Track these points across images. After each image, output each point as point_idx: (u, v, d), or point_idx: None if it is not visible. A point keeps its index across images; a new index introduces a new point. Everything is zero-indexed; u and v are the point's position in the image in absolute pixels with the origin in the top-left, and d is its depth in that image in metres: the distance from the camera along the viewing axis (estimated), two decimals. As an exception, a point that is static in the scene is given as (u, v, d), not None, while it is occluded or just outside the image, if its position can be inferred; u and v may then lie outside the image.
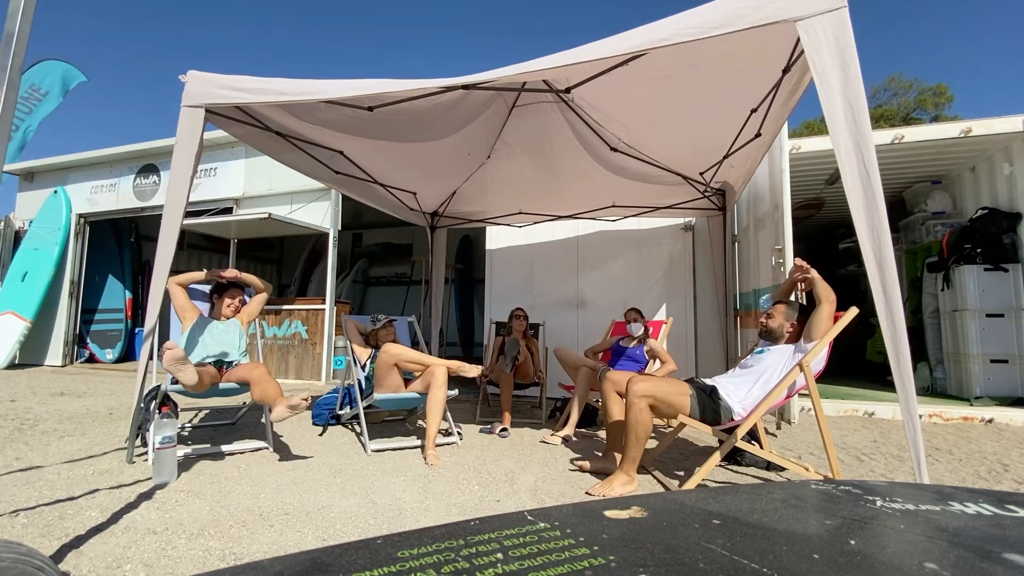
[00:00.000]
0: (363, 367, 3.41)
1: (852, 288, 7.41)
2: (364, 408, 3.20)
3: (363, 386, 3.32)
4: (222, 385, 2.86)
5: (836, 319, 2.33)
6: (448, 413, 3.36)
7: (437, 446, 3.04)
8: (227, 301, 3.28)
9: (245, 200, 7.25)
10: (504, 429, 3.55)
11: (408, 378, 3.26)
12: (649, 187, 4.39)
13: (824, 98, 1.86)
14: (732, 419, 2.31)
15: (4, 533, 1.74)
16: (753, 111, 2.96)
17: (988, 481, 2.60)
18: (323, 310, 6.51)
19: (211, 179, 7.40)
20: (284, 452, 2.91)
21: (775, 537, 0.52)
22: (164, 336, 3.01)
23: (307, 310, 6.62)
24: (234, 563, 1.58)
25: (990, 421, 4.14)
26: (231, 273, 3.35)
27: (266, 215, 6.04)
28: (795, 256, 3.88)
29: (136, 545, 1.67)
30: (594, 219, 5.36)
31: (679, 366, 5.10)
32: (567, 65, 2.25)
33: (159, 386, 2.83)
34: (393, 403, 3.34)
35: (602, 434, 3.52)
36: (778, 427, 3.76)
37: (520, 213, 5.30)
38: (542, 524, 0.54)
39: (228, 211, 7.21)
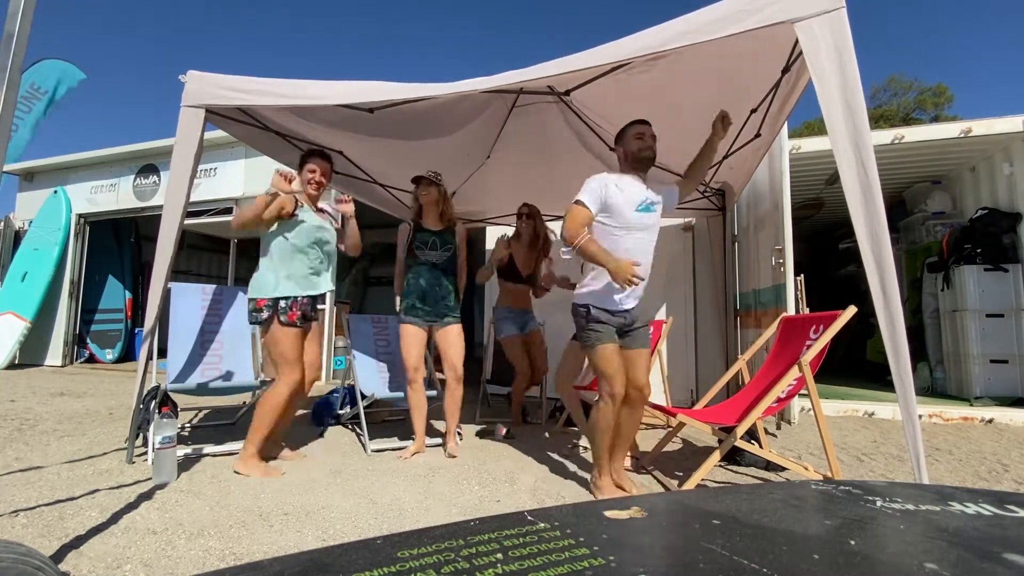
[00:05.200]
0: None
1: (852, 288, 7.40)
2: (364, 408, 3.20)
3: (362, 389, 3.32)
4: (220, 385, 2.84)
5: (834, 318, 2.32)
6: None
7: (436, 446, 3.05)
8: (307, 175, 2.64)
9: (245, 200, 7.24)
10: (508, 432, 3.54)
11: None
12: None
13: (822, 99, 1.85)
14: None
15: (4, 533, 1.74)
16: (753, 111, 2.96)
17: (988, 481, 2.60)
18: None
19: (211, 179, 7.39)
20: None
21: (775, 537, 0.52)
22: (164, 337, 3.00)
23: (307, 310, 6.62)
24: (234, 563, 1.58)
25: (990, 421, 4.14)
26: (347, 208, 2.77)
27: (266, 215, 6.02)
28: (795, 257, 3.91)
29: (136, 545, 1.67)
30: (594, 219, 5.35)
31: (679, 366, 5.12)
32: (564, 73, 2.26)
33: (159, 386, 2.83)
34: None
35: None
36: (778, 427, 3.75)
37: (520, 213, 5.28)
38: (542, 524, 0.54)
39: (228, 211, 7.21)
